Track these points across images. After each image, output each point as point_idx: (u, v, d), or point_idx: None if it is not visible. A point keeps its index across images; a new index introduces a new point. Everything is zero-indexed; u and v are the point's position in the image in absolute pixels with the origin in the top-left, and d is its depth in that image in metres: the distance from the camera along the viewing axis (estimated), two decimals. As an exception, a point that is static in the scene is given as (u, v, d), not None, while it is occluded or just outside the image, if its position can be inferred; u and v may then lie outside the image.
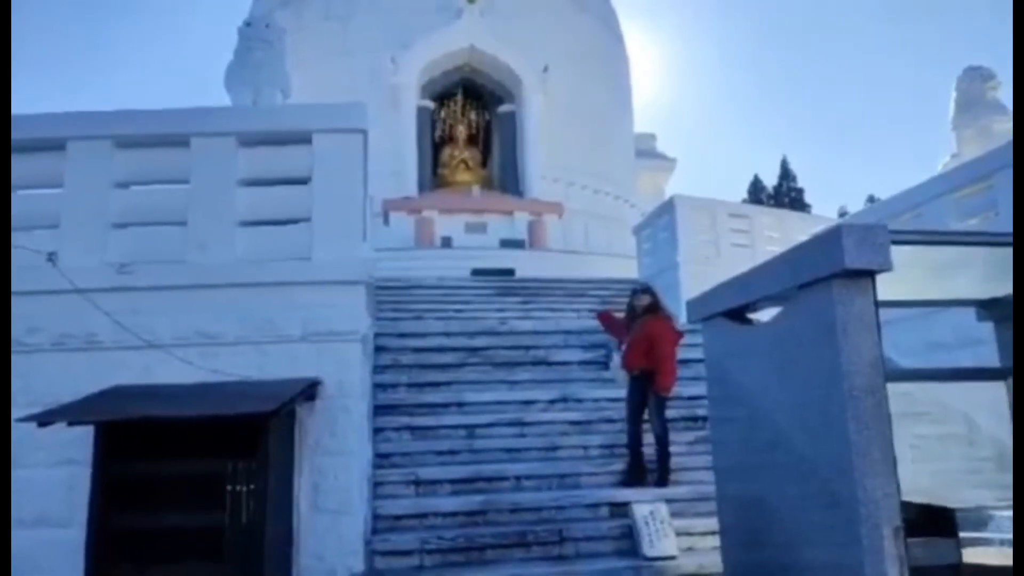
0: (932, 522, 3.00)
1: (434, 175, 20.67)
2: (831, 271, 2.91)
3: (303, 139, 5.61)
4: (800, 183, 39.64)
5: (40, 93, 66.51)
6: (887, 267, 2.84)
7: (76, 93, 68.76)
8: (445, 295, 11.59)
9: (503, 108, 20.86)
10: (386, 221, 17.68)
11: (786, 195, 38.77)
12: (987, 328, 4.18)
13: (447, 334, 8.65)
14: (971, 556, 3.12)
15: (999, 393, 4.18)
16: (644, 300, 6.85)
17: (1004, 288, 3.84)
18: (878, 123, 73.38)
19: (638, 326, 6.73)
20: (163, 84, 72.18)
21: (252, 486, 4.46)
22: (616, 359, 6.86)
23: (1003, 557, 3.28)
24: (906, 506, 2.80)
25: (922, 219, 8.22)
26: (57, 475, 4.92)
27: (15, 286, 5.14)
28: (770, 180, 39.66)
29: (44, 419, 4.28)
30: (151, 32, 72.12)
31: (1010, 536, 3.52)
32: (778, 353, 3.45)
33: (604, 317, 7.65)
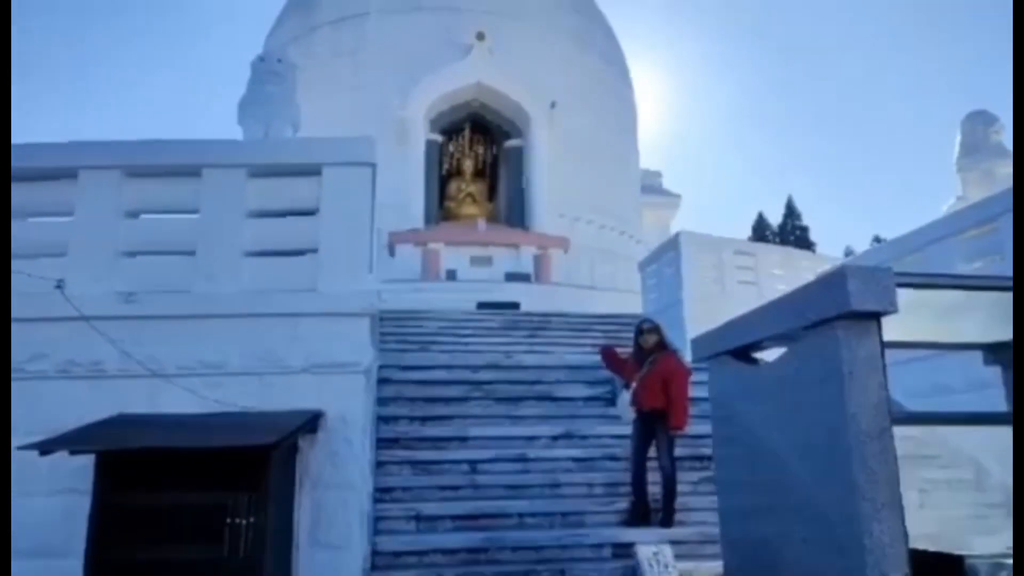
0: (941, 570, 2.95)
1: (440, 208, 20.84)
2: (836, 313, 2.89)
3: (312, 171, 5.67)
4: (805, 221, 39.71)
5: (53, 113, 67.50)
6: (892, 310, 2.82)
7: (89, 112, 69.76)
8: (450, 328, 11.59)
9: (510, 143, 21.09)
10: (392, 253, 17.77)
11: (791, 233, 38.80)
12: (994, 372, 4.15)
13: (451, 367, 8.63)
14: (981, 606, 3.05)
15: (1008, 438, 4.14)
16: (652, 339, 6.81)
17: (1010, 332, 3.82)
18: (884, 162, 73.80)
19: (649, 364, 6.69)
20: (174, 107, 73.24)
21: (252, 519, 4.42)
22: (625, 397, 6.81)
23: (1014, 607, 3.21)
24: (914, 553, 2.74)
25: (927, 260, 8.23)
26: (56, 504, 4.89)
27: (22, 313, 5.17)
28: (775, 218, 39.76)
29: (45, 447, 4.27)
30: (165, 54, 73.42)
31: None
32: (784, 394, 3.42)
33: (608, 354, 7.57)
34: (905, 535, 2.72)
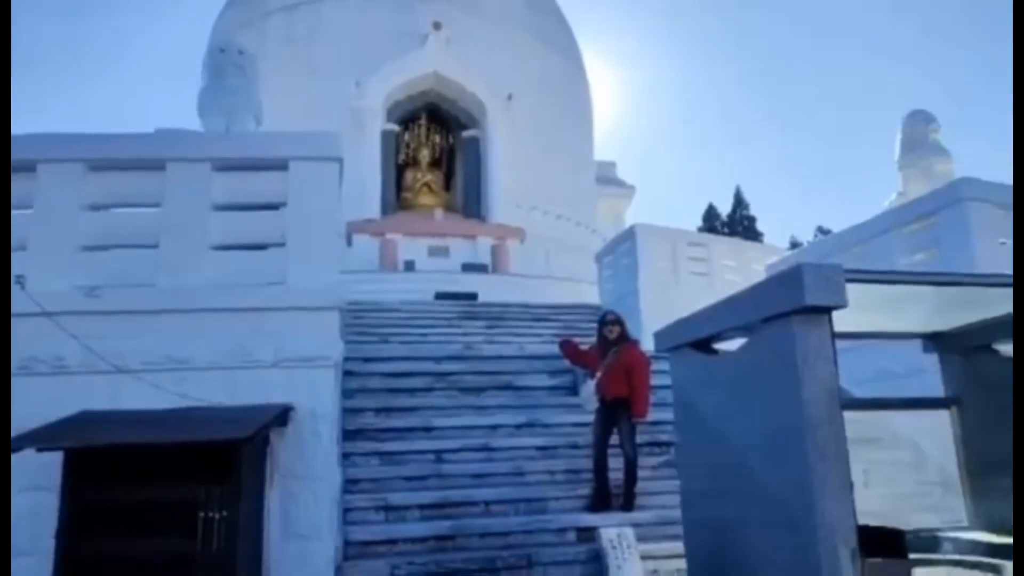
0: (885, 544, 3.19)
1: (397, 198, 20.75)
2: (792, 307, 3.09)
3: (279, 166, 5.68)
4: (753, 211, 40.75)
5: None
6: (843, 304, 3.04)
7: (49, 103, 66.86)
8: (409, 319, 11.62)
9: (467, 133, 21.10)
10: (349, 243, 17.66)
11: (739, 223, 39.77)
12: (932, 360, 4.46)
13: (413, 358, 8.69)
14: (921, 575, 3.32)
15: (944, 421, 4.48)
16: (615, 331, 7.03)
17: (948, 323, 4.13)
18: (828, 154, 76.00)
19: (613, 355, 6.90)
20: (123, 99, 70.75)
21: (223, 512, 4.46)
22: (590, 386, 7.01)
23: (951, 576, 3.51)
24: (861, 529, 2.97)
25: (872, 252, 8.62)
26: (21, 502, 4.82)
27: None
28: (724, 208, 40.70)
29: (15, 445, 4.23)
30: (110, 48, 70.79)
31: (958, 557, 3.78)
32: (742, 382, 3.62)
33: (568, 348, 7.74)
34: (854, 512, 2.95)
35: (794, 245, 33.28)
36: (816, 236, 34.97)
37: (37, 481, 4.73)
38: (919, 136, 10.70)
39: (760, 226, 39.79)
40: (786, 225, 62.17)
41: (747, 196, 41.10)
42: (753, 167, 76.12)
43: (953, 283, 3.39)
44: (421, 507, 6.22)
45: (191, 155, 5.64)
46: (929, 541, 3.92)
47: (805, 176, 74.45)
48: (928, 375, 4.56)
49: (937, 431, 4.60)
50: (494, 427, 7.49)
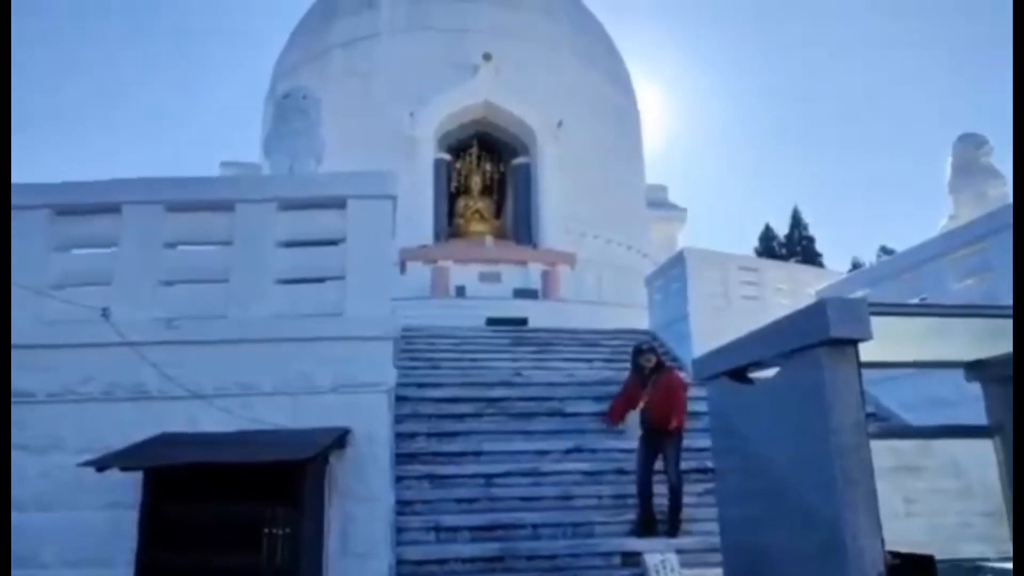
0: (915, 569, 3.28)
1: (449, 225, 21.24)
2: (818, 339, 3.24)
3: (338, 204, 6.07)
4: (812, 232, 39.99)
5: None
6: (867, 337, 3.17)
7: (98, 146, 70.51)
8: (460, 344, 11.89)
9: (517, 160, 21.52)
10: (403, 270, 18.14)
11: (798, 244, 39.07)
12: (977, 388, 4.50)
13: (464, 384, 8.96)
14: (953, 602, 3.38)
15: (990, 450, 4.51)
16: (651, 360, 7.22)
17: (989, 351, 4.18)
18: (890, 173, 73.93)
19: (652, 385, 7.09)
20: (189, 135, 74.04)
21: (287, 529, 4.77)
22: (634, 415, 7.20)
23: (984, 603, 3.55)
24: (891, 554, 3.08)
25: (922, 278, 8.53)
26: (103, 517, 5.26)
27: (70, 339, 5.62)
28: (782, 229, 40.07)
29: (101, 464, 4.65)
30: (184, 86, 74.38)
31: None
32: (774, 411, 3.76)
33: (614, 410, 7.97)
34: (882, 538, 3.06)
35: (855, 266, 32.56)
36: (879, 256, 34.14)
37: (117, 498, 5.14)
38: (970, 159, 10.54)
39: (820, 246, 39.03)
40: (849, 246, 60.53)
41: (808, 217, 40.38)
42: (814, 187, 74.57)
43: (977, 315, 3.49)
44: (471, 529, 6.45)
45: (258, 196, 6.09)
46: (971, 571, 3.96)
47: (870, 195, 72.51)
48: (981, 403, 4.58)
49: (985, 459, 4.63)
50: (542, 452, 7.68)
